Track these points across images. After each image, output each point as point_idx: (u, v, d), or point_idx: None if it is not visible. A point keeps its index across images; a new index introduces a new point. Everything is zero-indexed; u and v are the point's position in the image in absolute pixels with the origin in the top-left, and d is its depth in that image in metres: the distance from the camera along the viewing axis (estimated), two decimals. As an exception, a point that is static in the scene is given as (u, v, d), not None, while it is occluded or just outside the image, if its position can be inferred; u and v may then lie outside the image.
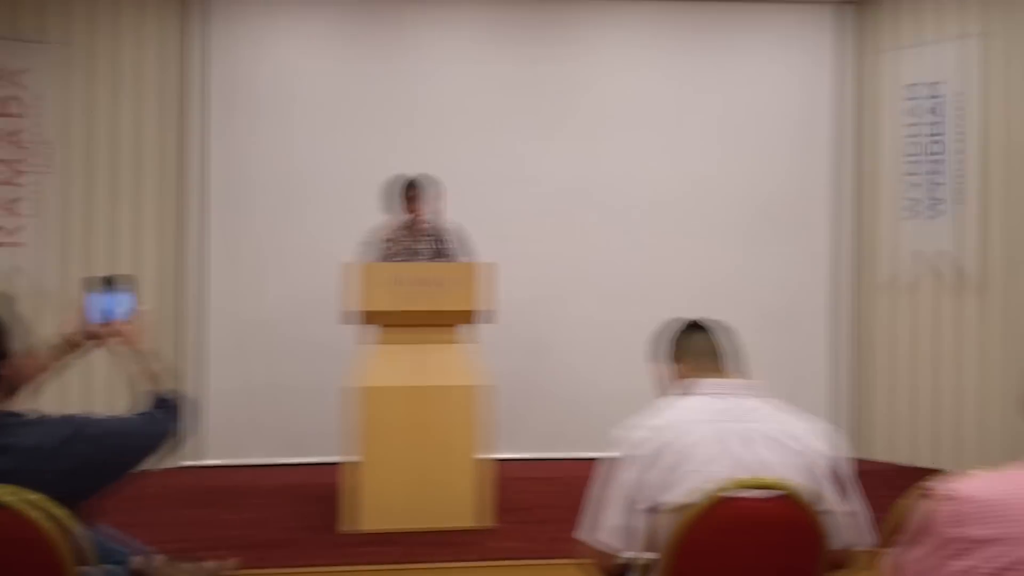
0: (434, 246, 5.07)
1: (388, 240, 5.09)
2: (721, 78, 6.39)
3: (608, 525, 2.22)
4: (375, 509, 4.45)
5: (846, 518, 2.22)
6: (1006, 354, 5.64)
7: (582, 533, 2.28)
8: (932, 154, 5.98)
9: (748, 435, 2.18)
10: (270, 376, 6.14)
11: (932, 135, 5.98)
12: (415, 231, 5.09)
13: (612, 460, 2.25)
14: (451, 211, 5.32)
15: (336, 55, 6.26)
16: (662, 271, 6.28)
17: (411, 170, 5.23)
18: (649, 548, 2.16)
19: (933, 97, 5.98)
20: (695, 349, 2.44)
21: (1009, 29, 5.70)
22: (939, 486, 1.39)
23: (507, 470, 5.30)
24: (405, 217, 5.08)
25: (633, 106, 6.35)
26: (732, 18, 6.40)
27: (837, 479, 2.23)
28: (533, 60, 6.32)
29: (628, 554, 2.22)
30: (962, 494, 1.36)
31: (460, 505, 4.48)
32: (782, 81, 6.44)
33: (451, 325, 4.63)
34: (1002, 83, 5.73)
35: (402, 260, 4.99)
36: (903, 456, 6.12)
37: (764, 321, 6.20)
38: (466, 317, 4.61)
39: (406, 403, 4.49)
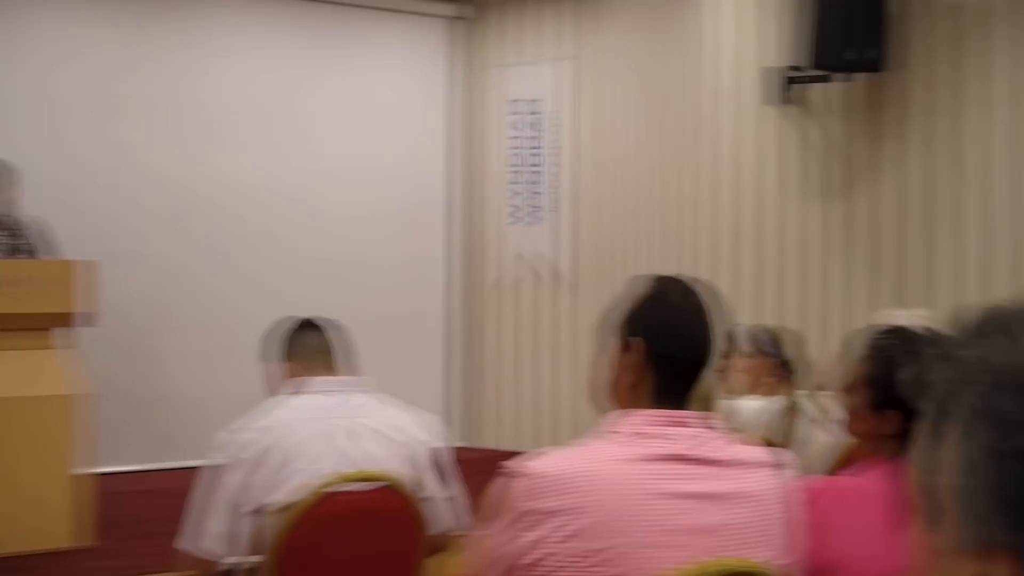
0: (10, 241, 4.57)
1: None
2: (342, 81, 6.45)
3: (211, 532, 2.16)
4: (-51, 538, 3.94)
5: (446, 503, 2.36)
6: (593, 347, 6.30)
7: (182, 542, 2.20)
8: (532, 165, 6.52)
9: (355, 430, 2.24)
10: None
11: (532, 148, 6.51)
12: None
13: (215, 465, 2.19)
14: (46, 203, 4.85)
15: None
16: (280, 271, 6.20)
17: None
18: (255, 551, 2.13)
19: (533, 113, 6.51)
20: (306, 347, 2.46)
21: (598, 54, 6.36)
22: (514, 464, 1.53)
23: (112, 484, 4.94)
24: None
25: (254, 102, 6.20)
26: (354, 24, 6.49)
27: (438, 467, 2.36)
28: (146, 46, 5.94)
29: (232, 559, 2.18)
30: (533, 470, 1.50)
31: (54, 525, 4.10)
32: (401, 88, 6.64)
33: (44, 329, 4.22)
34: (591, 103, 6.38)
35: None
36: (508, 442, 6.59)
37: (385, 320, 6.36)
38: (62, 320, 4.23)
39: (-12, 417, 4.02)
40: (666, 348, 1.58)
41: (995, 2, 5.01)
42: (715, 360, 1.64)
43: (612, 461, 1.50)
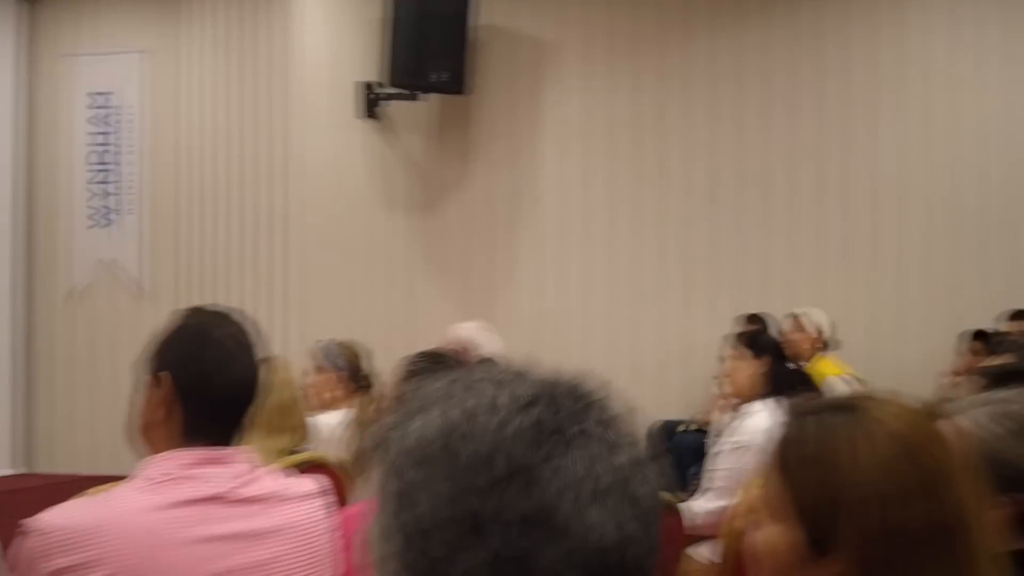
0: None
1: None
2: None
3: None
4: None
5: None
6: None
7: None
8: (109, 164, 6.07)
9: None
10: None
11: (108, 144, 6.06)
12: None
13: None
14: None
15: None
16: None
17: None
18: None
19: (108, 107, 6.06)
20: None
21: (178, 47, 6.02)
22: (28, 521, 1.40)
23: None
24: None
25: None
26: None
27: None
28: None
29: None
30: (46, 525, 1.38)
31: None
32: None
33: None
34: (170, 98, 6.03)
35: None
36: (83, 465, 6.07)
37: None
38: None
39: None
40: (194, 382, 1.53)
41: (568, 40, 5.54)
42: (257, 393, 1.62)
43: (136, 511, 1.42)
